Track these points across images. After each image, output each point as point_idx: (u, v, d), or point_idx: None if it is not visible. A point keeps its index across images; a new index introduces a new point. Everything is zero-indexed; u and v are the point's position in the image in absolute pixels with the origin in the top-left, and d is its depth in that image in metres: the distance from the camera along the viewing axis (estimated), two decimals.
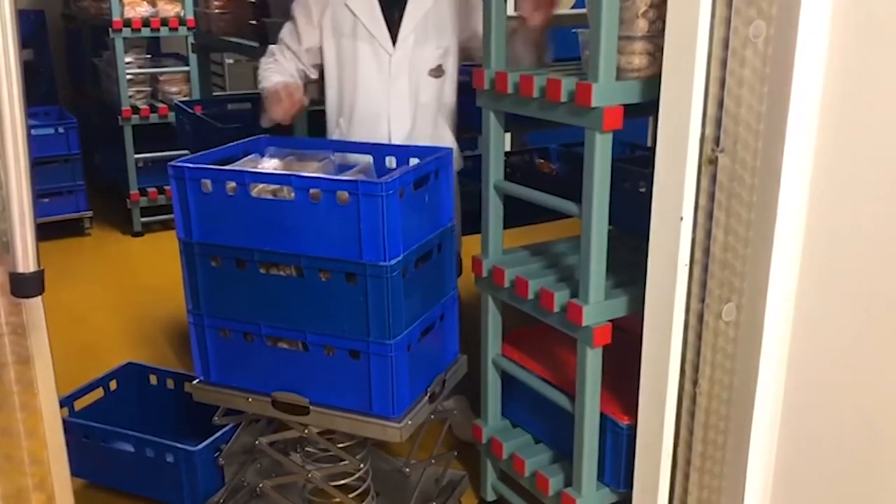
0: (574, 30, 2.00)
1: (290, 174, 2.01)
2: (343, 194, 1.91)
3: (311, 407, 2.10)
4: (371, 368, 2.02)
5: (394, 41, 2.57)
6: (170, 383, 2.89)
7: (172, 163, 2.09)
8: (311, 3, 2.64)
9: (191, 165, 2.07)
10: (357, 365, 2.03)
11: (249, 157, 2.31)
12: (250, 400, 2.17)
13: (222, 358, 2.20)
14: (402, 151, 2.31)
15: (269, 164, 2.26)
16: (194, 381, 2.24)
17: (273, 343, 2.13)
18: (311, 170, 2.23)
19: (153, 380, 2.92)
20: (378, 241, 1.91)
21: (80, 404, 2.76)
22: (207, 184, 2.04)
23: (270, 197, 2.02)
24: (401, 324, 2.00)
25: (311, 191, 1.94)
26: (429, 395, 2.16)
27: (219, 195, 2.04)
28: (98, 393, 2.83)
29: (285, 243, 2.00)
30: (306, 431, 2.17)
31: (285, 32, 2.70)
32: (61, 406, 2.62)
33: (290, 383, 2.12)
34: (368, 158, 2.31)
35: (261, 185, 2.03)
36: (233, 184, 2.02)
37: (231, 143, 2.35)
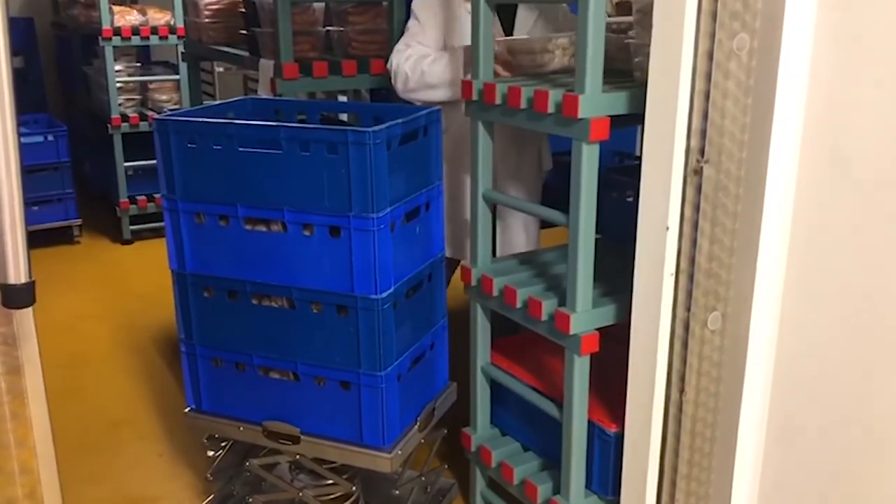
0: None
1: (283, 209, 1.98)
2: (335, 229, 1.91)
3: (301, 436, 2.11)
4: (361, 399, 2.03)
5: None
6: None
7: (164, 198, 2.08)
8: (433, 4, 2.67)
9: (185, 201, 2.06)
10: (348, 395, 2.04)
11: None
12: (242, 429, 2.18)
13: (214, 387, 2.20)
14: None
15: None
16: (186, 410, 2.25)
17: (265, 373, 2.13)
18: None
19: None
20: (369, 275, 1.92)
21: None
22: (201, 216, 2.05)
23: (264, 229, 2.01)
24: (391, 355, 2.00)
25: (304, 224, 1.95)
26: (418, 423, 2.17)
27: (212, 227, 2.04)
28: None
29: (277, 275, 2.01)
30: (298, 456, 2.17)
31: (410, 33, 2.71)
32: None
33: (281, 413, 2.13)
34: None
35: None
36: (226, 216, 2.03)
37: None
